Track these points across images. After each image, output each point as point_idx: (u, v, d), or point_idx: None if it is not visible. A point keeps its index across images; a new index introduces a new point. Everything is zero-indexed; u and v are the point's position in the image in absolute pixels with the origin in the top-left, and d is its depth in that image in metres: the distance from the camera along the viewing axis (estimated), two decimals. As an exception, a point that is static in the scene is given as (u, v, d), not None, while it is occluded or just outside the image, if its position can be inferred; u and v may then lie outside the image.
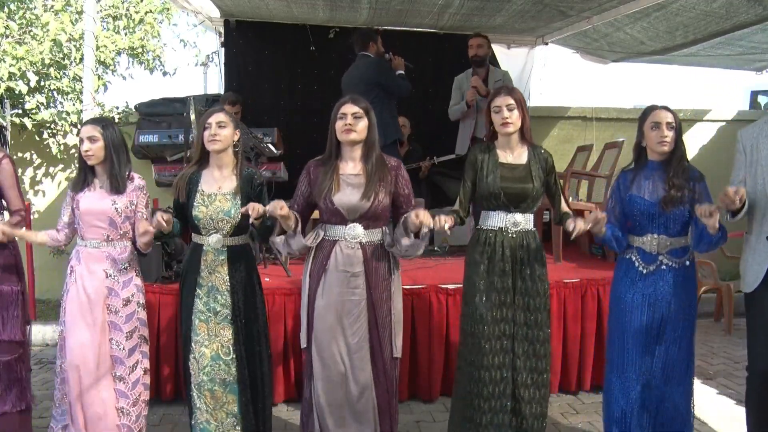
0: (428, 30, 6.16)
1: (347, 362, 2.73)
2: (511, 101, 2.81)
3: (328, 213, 2.75)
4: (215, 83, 6.76)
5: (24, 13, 5.76)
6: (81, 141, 2.87)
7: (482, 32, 5.62)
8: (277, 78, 6.09)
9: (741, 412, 2.95)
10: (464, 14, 5.52)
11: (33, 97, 5.69)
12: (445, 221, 2.65)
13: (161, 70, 6.63)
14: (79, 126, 5.52)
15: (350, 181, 2.74)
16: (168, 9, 6.47)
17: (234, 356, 2.84)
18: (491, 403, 2.82)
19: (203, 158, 2.89)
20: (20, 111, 5.76)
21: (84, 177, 2.92)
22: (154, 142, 5.28)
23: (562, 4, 5.04)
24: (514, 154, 2.89)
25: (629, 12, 4.92)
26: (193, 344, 2.84)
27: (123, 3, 6.28)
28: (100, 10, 5.83)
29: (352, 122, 2.71)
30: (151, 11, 6.30)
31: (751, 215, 2.70)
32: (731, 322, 5.31)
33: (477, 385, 2.83)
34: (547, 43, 6.52)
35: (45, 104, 5.84)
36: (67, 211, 2.97)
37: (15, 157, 6.11)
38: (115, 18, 6.24)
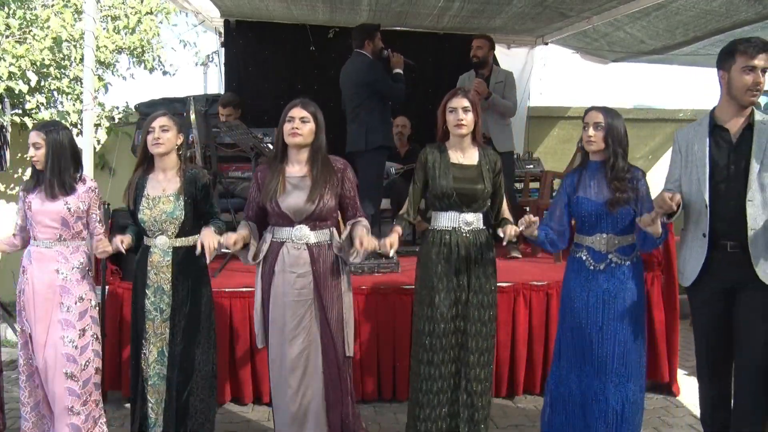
0: (428, 30, 6.16)
1: (298, 362, 2.74)
2: (467, 104, 2.89)
3: (275, 215, 2.78)
4: (215, 83, 6.76)
5: (24, 13, 5.76)
6: (29, 147, 2.91)
7: (482, 33, 5.63)
8: (277, 78, 6.07)
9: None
10: (464, 16, 5.53)
11: (33, 96, 5.69)
12: (390, 245, 2.74)
13: (161, 70, 6.64)
14: (79, 126, 5.54)
15: (296, 183, 2.77)
16: (167, 7, 6.47)
17: (168, 354, 2.91)
18: (440, 397, 2.90)
19: (148, 163, 2.95)
20: (20, 111, 5.76)
21: (36, 179, 2.96)
22: (154, 142, 5.27)
23: (561, 5, 5.05)
24: (465, 155, 2.96)
25: (629, 12, 4.93)
26: (143, 342, 2.91)
27: (123, 3, 6.28)
28: (100, 10, 5.83)
29: (299, 126, 2.76)
30: (151, 11, 6.30)
31: (686, 214, 2.75)
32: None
33: (427, 383, 2.90)
34: (547, 43, 6.53)
35: (45, 104, 5.84)
36: (21, 214, 2.99)
37: (15, 157, 6.11)
38: (114, 18, 6.24)
